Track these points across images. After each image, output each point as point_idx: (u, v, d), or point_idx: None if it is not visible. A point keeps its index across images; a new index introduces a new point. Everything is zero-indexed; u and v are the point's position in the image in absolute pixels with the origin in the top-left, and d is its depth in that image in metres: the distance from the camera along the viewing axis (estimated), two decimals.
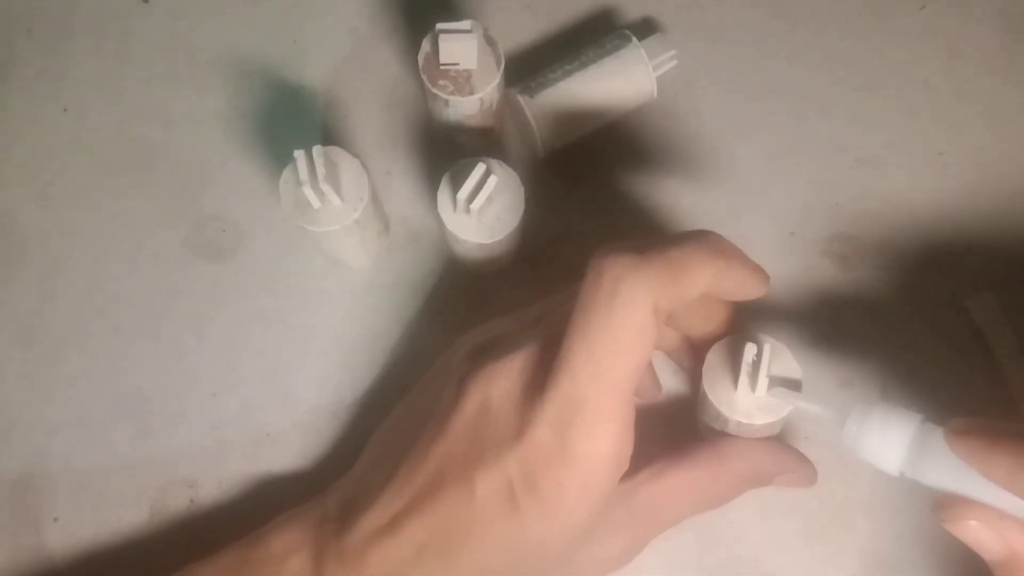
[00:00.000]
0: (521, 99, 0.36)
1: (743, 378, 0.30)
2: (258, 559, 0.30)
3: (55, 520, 0.35)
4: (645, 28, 0.40)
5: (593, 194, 0.38)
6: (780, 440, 0.33)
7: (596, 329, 0.26)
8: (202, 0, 0.41)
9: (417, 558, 0.28)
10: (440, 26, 0.33)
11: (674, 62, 0.38)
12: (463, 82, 0.34)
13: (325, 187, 0.30)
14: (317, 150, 0.31)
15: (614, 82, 0.37)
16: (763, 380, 0.30)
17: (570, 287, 0.30)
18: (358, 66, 0.40)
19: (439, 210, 0.33)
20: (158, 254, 0.38)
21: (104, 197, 0.38)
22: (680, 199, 0.38)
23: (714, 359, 0.31)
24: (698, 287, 0.27)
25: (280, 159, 0.38)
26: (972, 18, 0.40)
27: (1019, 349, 0.36)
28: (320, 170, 0.30)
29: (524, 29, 0.40)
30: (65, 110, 0.39)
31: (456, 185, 0.32)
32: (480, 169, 0.31)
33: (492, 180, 0.31)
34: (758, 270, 0.30)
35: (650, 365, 0.34)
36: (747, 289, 0.29)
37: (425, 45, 0.34)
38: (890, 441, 0.27)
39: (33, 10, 0.40)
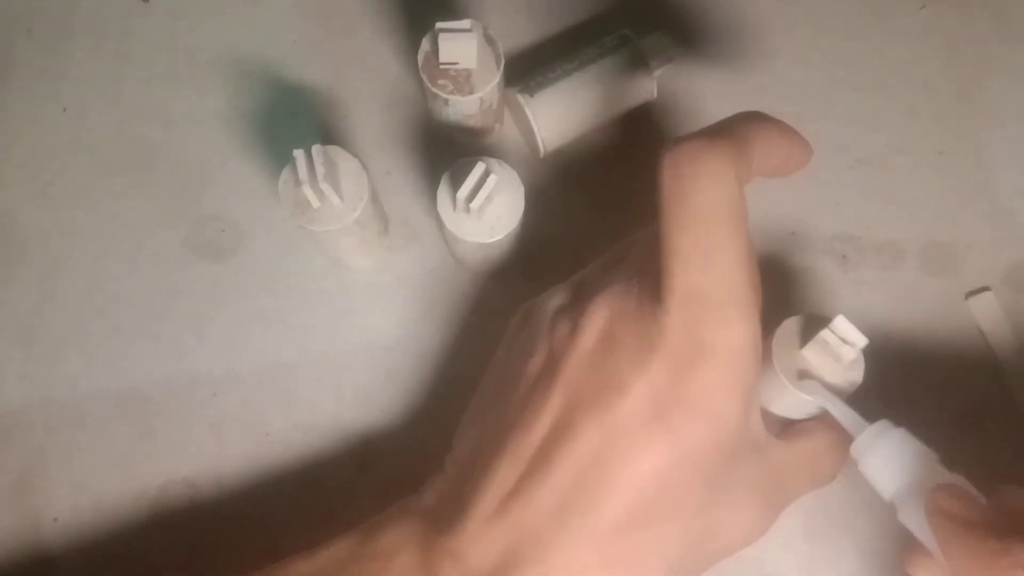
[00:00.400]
0: (521, 99, 0.36)
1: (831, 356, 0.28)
2: (365, 556, 0.28)
3: (55, 520, 0.35)
4: (645, 28, 0.40)
5: (593, 194, 0.38)
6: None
7: (691, 214, 0.25)
8: (202, 0, 0.41)
9: (552, 522, 0.26)
10: (440, 25, 0.33)
11: (674, 62, 0.38)
12: (463, 81, 0.34)
13: (324, 186, 0.30)
14: (316, 149, 0.31)
15: (614, 82, 0.37)
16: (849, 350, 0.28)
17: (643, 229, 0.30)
18: (358, 66, 0.40)
19: (438, 210, 0.33)
20: (158, 254, 0.38)
21: (104, 197, 0.38)
22: None
23: (783, 341, 0.29)
24: (766, 156, 0.27)
25: (280, 159, 0.38)
26: (972, 18, 0.40)
27: (1019, 349, 0.36)
28: (319, 169, 0.30)
29: (524, 29, 0.40)
30: (65, 110, 0.39)
31: (456, 185, 0.32)
32: (479, 168, 0.31)
33: (492, 179, 0.31)
34: (803, 139, 0.29)
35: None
36: (797, 157, 0.29)
37: (425, 44, 0.34)
38: (892, 470, 0.26)
39: (33, 10, 0.40)
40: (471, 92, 0.34)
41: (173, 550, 0.34)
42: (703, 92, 0.39)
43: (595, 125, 0.38)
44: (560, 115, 0.36)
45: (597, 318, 0.27)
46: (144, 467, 0.35)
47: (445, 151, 0.38)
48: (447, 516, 0.28)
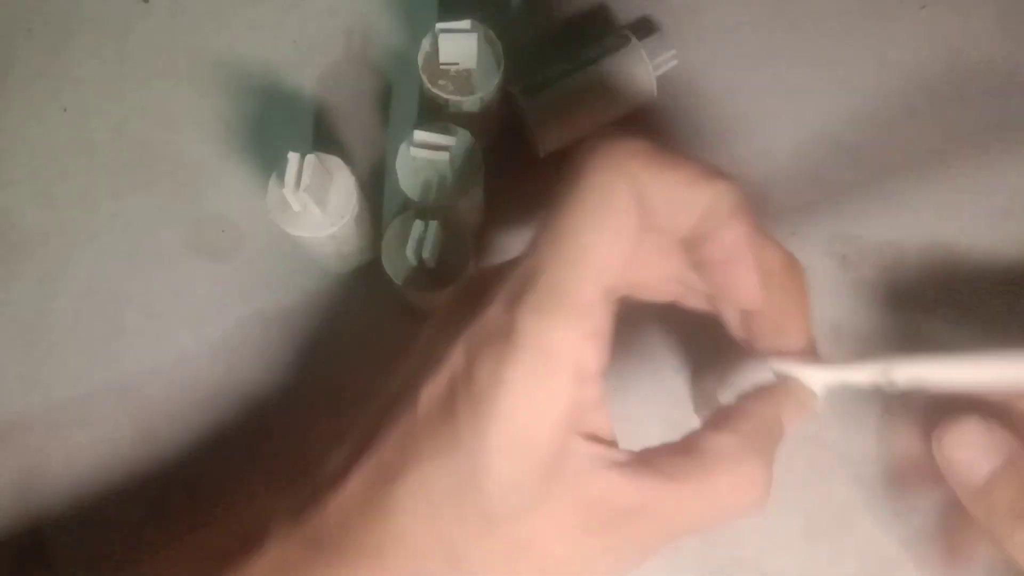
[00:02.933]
0: (521, 99, 0.36)
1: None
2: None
3: (55, 519, 0.35)
4: (645, 28, 0.40)
5: None
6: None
7: (566, 200, 0.22)
8: (202, 0, 0.41)
9: (365, 498, 0.23)
10: (440, 25, 0.33)
11: (674, 62, 0.38)
12: (463, 82, 0.34)
13: (304, 196, 0.30)
14: (309, 159, 0.30)
15: (614, 82, 0.37)
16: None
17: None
18: (358, 66, 0.40)
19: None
20: (158, 254, 0.38)
21: (104, 197, 0.38)
22: None
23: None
24: (698, 198, 0.23)
25: (280, 159, 0.38)
26: (972, 18, 0.40)
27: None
28: (305, 179, 0.30)
29: (524, 29, 0.40)
30: (65, 110, 0.39)
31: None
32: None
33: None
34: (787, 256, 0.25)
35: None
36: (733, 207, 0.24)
37: (425, 44, 0.34)
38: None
39: (33, 10, 0.40)
40: (471, 92, 0.34)
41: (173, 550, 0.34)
42: (703, 92, 0.39)
43: (595, 125, 0.38)
44: (560, 115, 0.36)
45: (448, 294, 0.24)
46: (144, 467, 0.35)
47: None
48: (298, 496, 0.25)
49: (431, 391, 0.22)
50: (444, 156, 0.31)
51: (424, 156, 0.32)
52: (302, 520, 0.24)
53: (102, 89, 0.40)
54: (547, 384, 0.21)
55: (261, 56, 0.40)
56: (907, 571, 0.34)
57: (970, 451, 0.28)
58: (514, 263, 0.23)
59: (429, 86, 0.34)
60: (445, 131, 0.32)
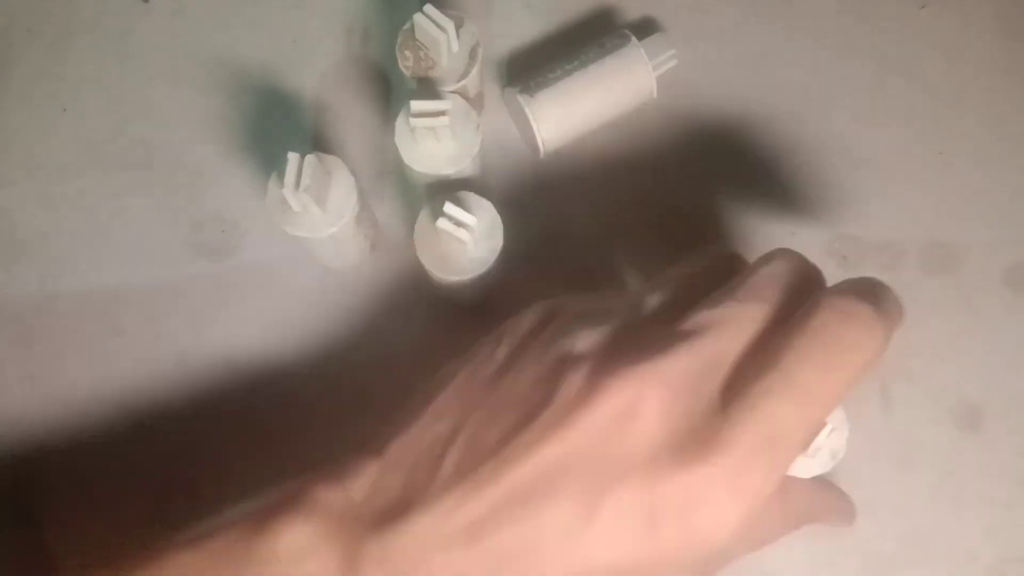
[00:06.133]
0: (521, 99, 0.36)
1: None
2: (261, 558, 0.24)
3: (55, 518, 0.35)
4: (645, 28, 0.40)
5: (593, 194, 0.38)
6: (824, 480, 0.32)
7: (840, 367, 0.24)
8: (202, 0, 0.41)
9: (494, 572, 0.24)
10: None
11: (674, 62, 0.38)
12: (430, 66, 0.34)
13: (304, 196, 0.30)
14: (309, 159, 0.30)
15: (614, 82, 0.37)
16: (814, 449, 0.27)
17: (695, 259, 0.29)
18: (359, 66, 0.40)
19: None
20: (158, 254, 0.38)
21: (104, 197, 0.38)
22: (680, 199, 0.38)
23: None
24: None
25: (280, 159, 0.38)
26: (972, 18, 0.40)
27: None
28: (305, 180, 0.30)
29: (524, 29, 0.40)
30: (65, 110, 0.39)
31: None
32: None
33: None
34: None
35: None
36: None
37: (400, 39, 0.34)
38: None
39: (33, 10, 0.40)
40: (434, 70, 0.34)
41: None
42: (703, 92, 0.39)
43: (595, 125, 0.38)
44: (560, 115, 0.36)
45: (627, 395, 0.24)
46: (144, 467, 0.35)
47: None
48: (387, 517, 0.24)
49: (620, 506, 0.24)
50: (444, 121, 0.31)
51: (424, 124, 0.31)
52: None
53: (102, 89, 0.40)
54: (746, 523, 0.24)
55: (261, 56, 0.40)
56: (907, 571, 0.34)
57: None
58: (750, 405, 0.24)
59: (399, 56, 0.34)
60: (438, 97, 0.32)
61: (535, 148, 0.37)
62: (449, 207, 0.31)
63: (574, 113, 0.37)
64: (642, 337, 0.25)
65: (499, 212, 0.32)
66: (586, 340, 0.26)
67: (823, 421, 0.25)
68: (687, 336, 0.25)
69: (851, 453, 0.35)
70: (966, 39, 0.40)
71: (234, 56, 0.40)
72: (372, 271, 0.37)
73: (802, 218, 0.38)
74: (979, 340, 0.37)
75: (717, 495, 0.23)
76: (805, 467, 0.28)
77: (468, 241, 0.31)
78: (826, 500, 0.32)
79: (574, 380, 0.24)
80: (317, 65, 0.40)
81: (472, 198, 0.32)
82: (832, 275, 0.37)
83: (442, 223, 0.31)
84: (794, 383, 0.24)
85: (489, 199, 0.32)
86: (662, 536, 0.23)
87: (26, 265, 0.37)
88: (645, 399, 0.24)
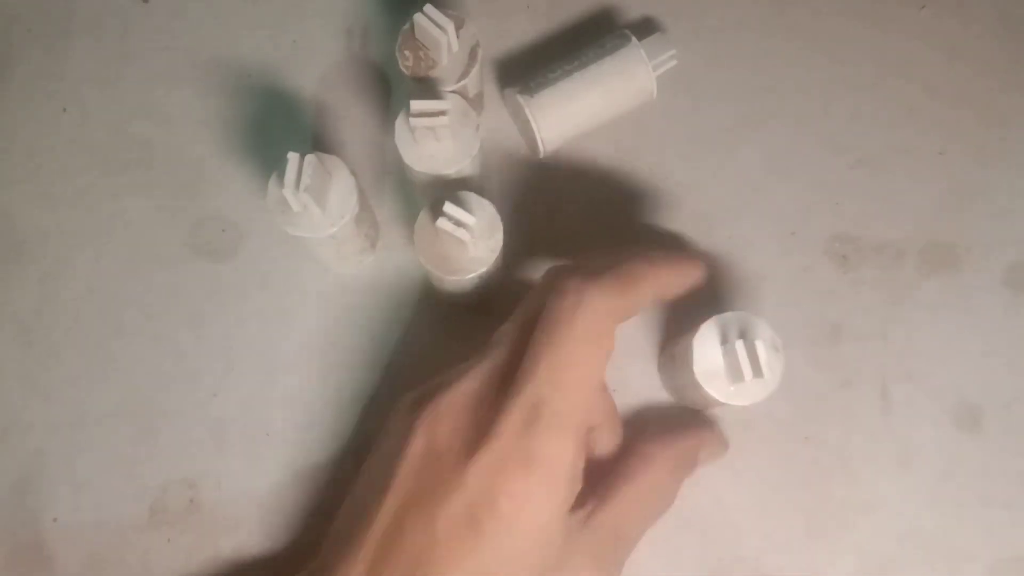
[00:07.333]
0: (521, 99, 0.36)
1: (738, 368, 0.31)
2: None
3: (55, 520, 0.35)
4: (645, 28, 0.40)
5: (593, 194, 0.38)
6: (689, 416, 0.36)
7: (561, 337, 0.27)
8: (202, 0, 0.41)
9: None
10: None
11: (674, 62, 0.38)
12: (431, 64, 0.34)
13: (304, 196, 0.30)
14: (309, 159, 0.30)
15: (614, 82, 0.37)
16: (749, 370, 0.31)
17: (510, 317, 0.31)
18: (359, 66, 0.40)
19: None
20: (158, 254, 0.38)
21: (104, 197, 0.38)
22: (680, 199, 0.38)
23: (703, 342, 0.32)
24: (657, 291, 0.30)
25: (280, 159, 0.38)
26: (972, 18, 0.40)
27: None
28: (305, 180, 0.30)
29: (524, 29, 0.40)
30: (65, 110, 0.39)
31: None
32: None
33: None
34: (692, 266, 0.32)
35: (613, 410, 0.33)
36: (688, 284, 0.32)
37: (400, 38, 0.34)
38: None
39: (33, 9, 0.40)
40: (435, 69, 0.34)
41: (173, 550, 0.34)
42: (703, 92, 0.39)
43: (595, 125, 0.38)
44: (560, 115, 0.36)
45: (424, 431, 0.28)
46: (144, 467, 0.35)
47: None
48: None
49: (447, 520, 0.26)
50: (443, 121, 0.31)
51: (424, 124, 0.31)
52: None
53: (101, 88, 0.40)
54: (558, 493, 0.27)
55: (261, 56, 0.40)
56: (907, 570, 0.34)
57: None
58: (513, 392, 0.27)
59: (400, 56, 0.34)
60: (438, 97, 0.32)
61: (535, 148, 0.37)
62: (449, 207, 0.31)
63: (574, 113, 0.37)
64: (440, 384, 0.29)
65: (499, 212, 0.32)
66: (403, 407, 0.30)
67: (586, 386, 0.28)
68: (472, 363, 0.29)
69: (851, 453, 0.35)
70: (966, 39, 0.40)
71: (234, 56, 0.40)
72: (372, 271, 0.37)
73: (802, 218, 0.38)
74: (979, 340, 0.37)
75: (515, 477, 0.26)
76: (761, 387, 0.31)
77: (468, 241, 0.31)
78: (694, 442, 0.34)
79: (395, 437, 0.29)
80: (317, 65, 0.40)
81: (472, 198, 0.32)
82: (832, 275, 0.37)
83: (442, 223, 0.31)
84: (545, 363, 0.27)
85: (489, 199, 0.32)
86: (484, 534, 0.26)
87: (26, 265, 0.37)
88: (433, 431, 0.28)
